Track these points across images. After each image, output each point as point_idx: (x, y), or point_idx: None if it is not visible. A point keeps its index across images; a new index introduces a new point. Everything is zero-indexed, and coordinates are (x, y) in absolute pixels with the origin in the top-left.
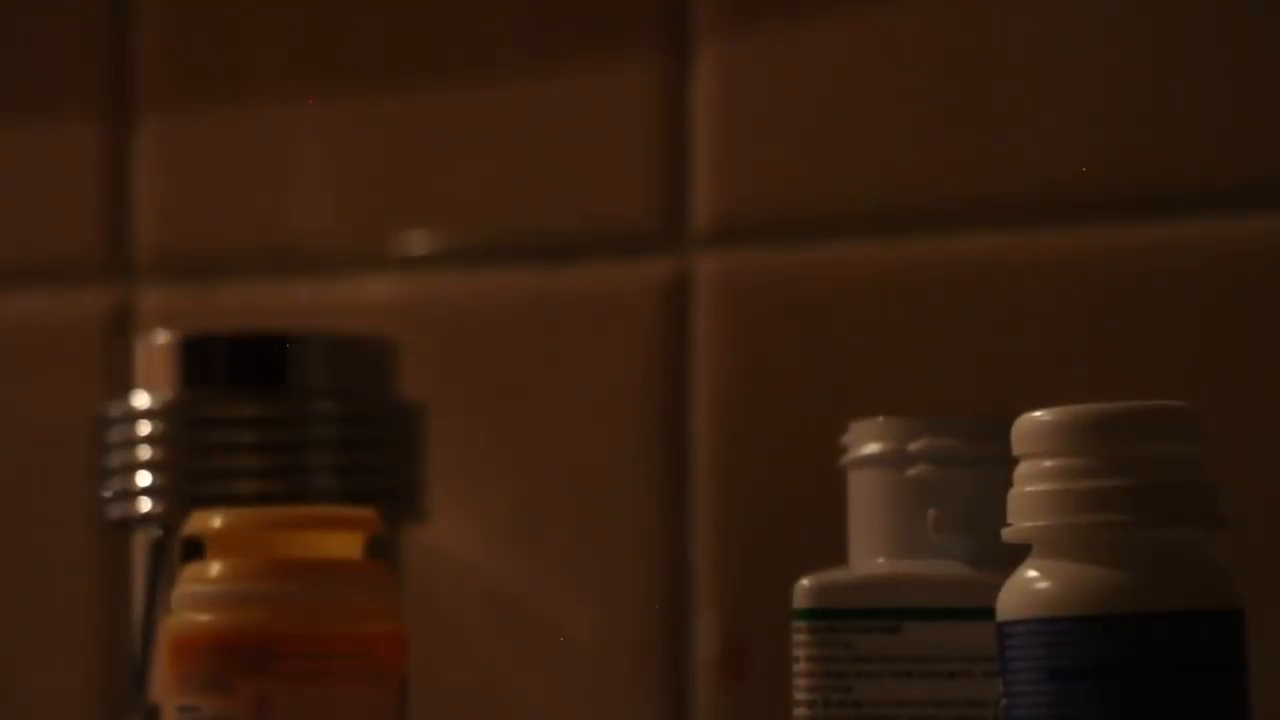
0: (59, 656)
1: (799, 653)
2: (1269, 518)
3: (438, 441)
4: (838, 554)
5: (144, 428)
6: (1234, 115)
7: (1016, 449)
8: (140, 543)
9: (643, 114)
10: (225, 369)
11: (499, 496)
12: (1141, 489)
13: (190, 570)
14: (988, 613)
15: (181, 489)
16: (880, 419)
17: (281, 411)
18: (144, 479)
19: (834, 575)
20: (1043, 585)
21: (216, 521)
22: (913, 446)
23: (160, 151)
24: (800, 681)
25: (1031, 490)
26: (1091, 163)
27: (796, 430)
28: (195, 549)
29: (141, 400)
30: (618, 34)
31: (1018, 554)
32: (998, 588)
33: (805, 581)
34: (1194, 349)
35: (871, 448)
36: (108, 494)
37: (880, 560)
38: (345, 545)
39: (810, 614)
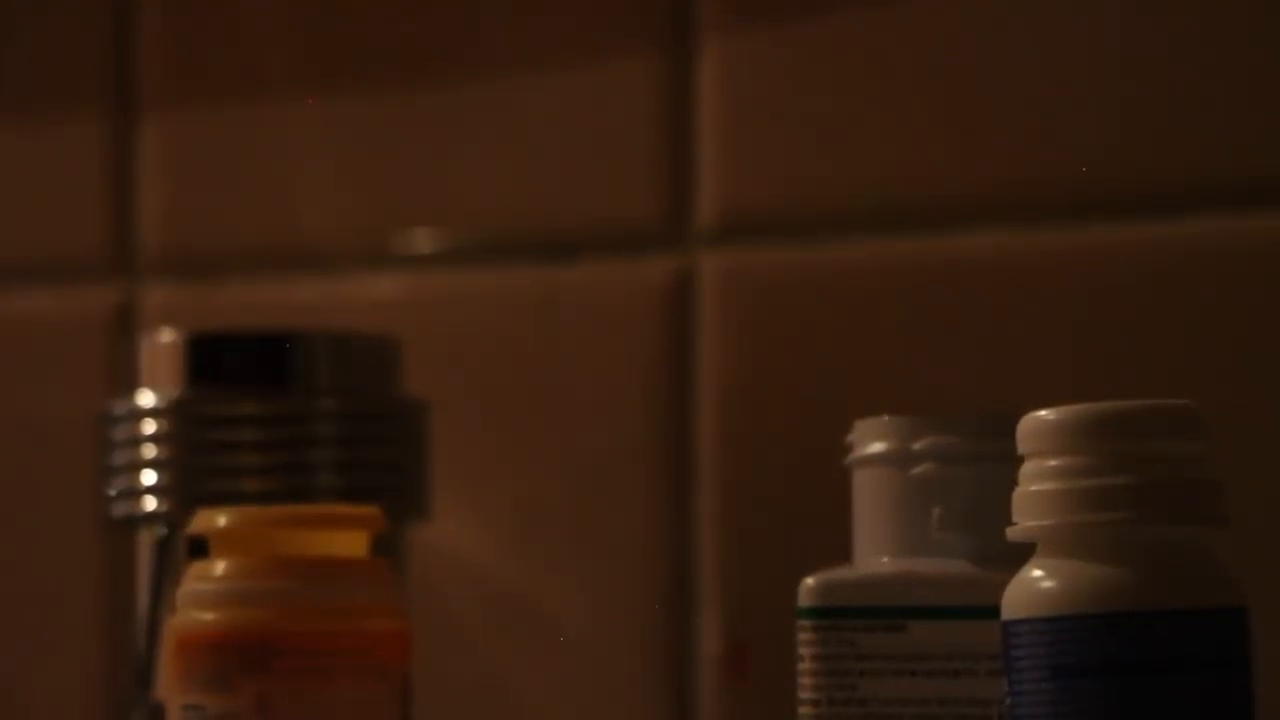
0: (63, 654)
1: (803, 651)
2: (1270, 516)
3: (441, 439)
4: (841, 553)
5: (148, 426)
6: (1234, 115)
7: (1021, 448)
8: (144, 541)
9: (646, 112)
10: (229, 367)
11: (502, 494)
12: (1145, 487)
13: (194, 568)
14: (992, 611)
15: (185, 487)
16: (884, 418)
17: (285, 409)
18: (148, 477)
19: (838, 574)
20: (1047, 584)
21: (221, 520)
22: (917, 445)
23: (164, 150)
24: (804, 680)
25: (1036, 489)
26: (1091, 163)
27: (800, 429)
28: (199, 547)
29: (146, 398)
30: (621, 32)
31: (1022, 552)
32: (1002, 586)
33: (810, 580)
34: (1194, 348)
35: (876, 446)
36: (112, 492)
37: (885, 559)
38: (349, 543)
39: (815, 612)
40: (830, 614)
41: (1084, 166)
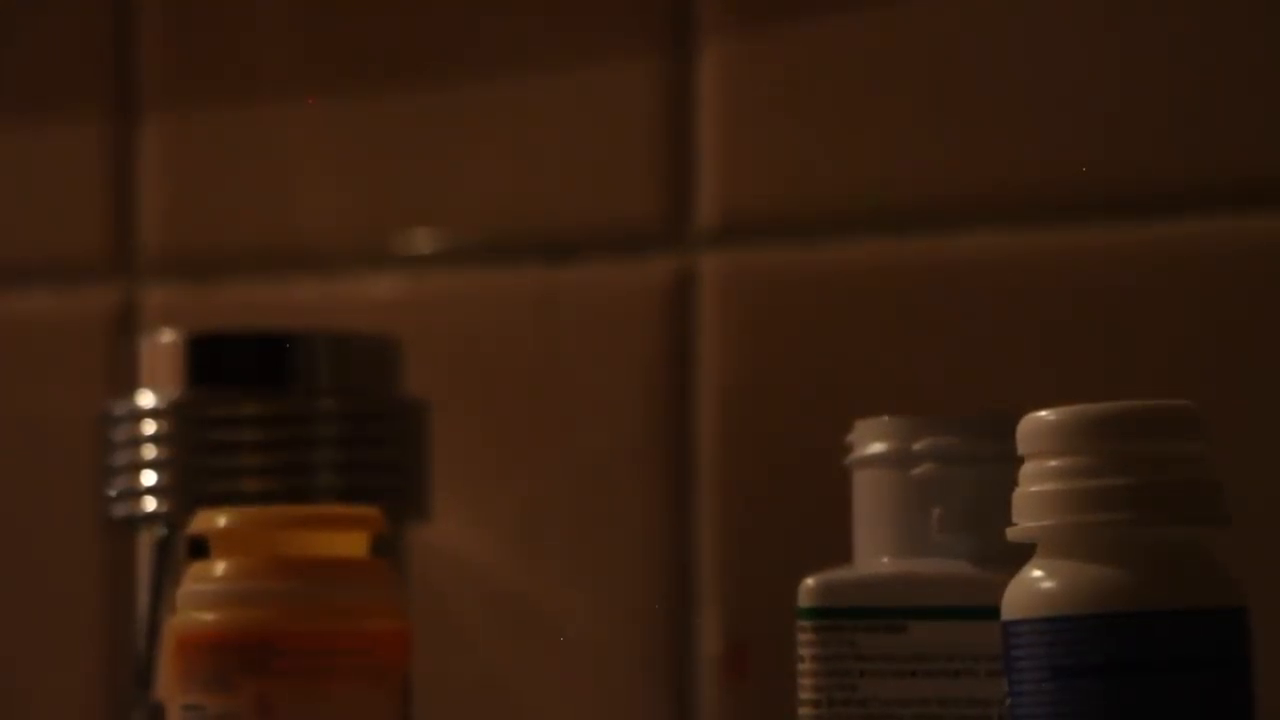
0: (63, 655)
1: (804, 652)
2: (1270, 516)
3: (441, 440)
4: (842, 553)
5: (148, 426)
6: (1234, 115)
7: (1021, 448)
8: (145, 541)
9: (647, 112)
10: (229, 367)
11: (502, 495)
12: (1145, 488)
13: (194, 569)
14: (992, 612)
15: (186, 488)
16: (885, 418)
17: (285, 410)
18: (148, 478)
19: (839, 574)
20: (1047, 584)
21: (221, 520)
22: (917, 446)
23: (164, 150)
24: (805, 680)
25: (1036, 490)
26: (1091, 163)
27: (800, 429)
28: (200, 547)
29: (146, 399)
30: (622, 32)
31: (1022, 553)
32: (1002, 587)
33: (810, 580)
34: (1194, 348)
35: (876, 447)
36: (112, 493)
37: (885, 559)
38: (349, 544)
39: (815, 613)
40: (830, 614)
41: (1084, 166)
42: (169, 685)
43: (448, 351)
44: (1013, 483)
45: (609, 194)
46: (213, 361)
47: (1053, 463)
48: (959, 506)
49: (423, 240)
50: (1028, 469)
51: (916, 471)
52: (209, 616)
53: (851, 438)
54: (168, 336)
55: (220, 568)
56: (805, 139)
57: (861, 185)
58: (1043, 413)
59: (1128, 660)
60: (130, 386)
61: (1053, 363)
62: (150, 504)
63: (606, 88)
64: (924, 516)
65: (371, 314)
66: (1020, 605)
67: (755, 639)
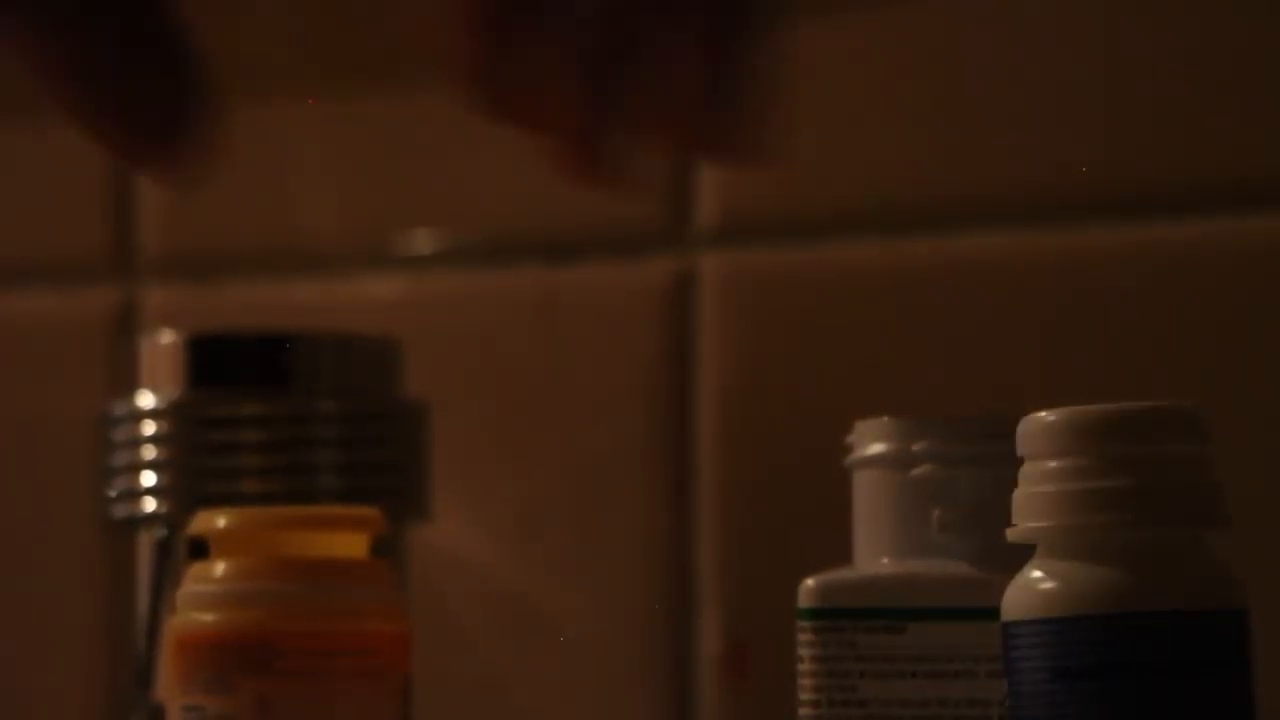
0: (63, 656)
1: (803, 652)
2: (1270, 516)
3: (441, 440)
4: (842, 553)
5: (148, 427)
6: (1234, 115)
7: (1021, 449)
8: (145, 542)
9: None
10: (229, 368)
11: (502, 495)
12: (1145, 489)
13: (194, 570)
14: (992, 613)
15: (186, 488)
16: (885, 419)
17: (285, 410)
18: (148, 478)
19: (839, 575)
20: (1047, 585)
21: (221, 521)
22: (917, 446)
23: None
24: (804, 681)
25: (1036, 490)
26: (1091, 163)
27: (800, 430)
28: (200, 548)
29: (146, 399)
30: None
31: (1022, 554)
32: (1002, 588)
33: (810, 581)
34: (1194, 348)
35: (876, 448)
36: (112, 493)
37: (885, 560)
38: (349, 544)
39: (815, 613)
40: (830, 615)
41: (1084, 167)
42: (169, 686)
43: (448, 351)
44: (1012, 483)
45: (609, 194)
46: (213, 362)
47: (1052, 463)
48: (959, 507)
49: (423, 240)
50: (1028, 470)
51: (916, 472)
52: (209, 617)
53: (851, 438)
54: (168, 337)
55: (220, 568)
56: (805, 139)
57: (861, 185)
58: (1042, 413)
59: (1128, 661)
60: (130, 387)
61: (1053, 363)
62: (150, 504)
63: None
64: (924, 517)
65: (371, 314)
66: (1020, 606)
67: (755, 639)
